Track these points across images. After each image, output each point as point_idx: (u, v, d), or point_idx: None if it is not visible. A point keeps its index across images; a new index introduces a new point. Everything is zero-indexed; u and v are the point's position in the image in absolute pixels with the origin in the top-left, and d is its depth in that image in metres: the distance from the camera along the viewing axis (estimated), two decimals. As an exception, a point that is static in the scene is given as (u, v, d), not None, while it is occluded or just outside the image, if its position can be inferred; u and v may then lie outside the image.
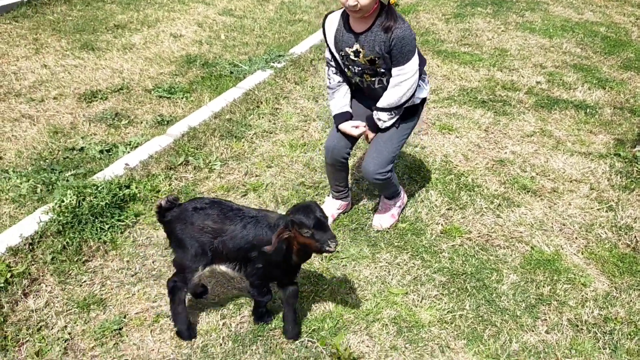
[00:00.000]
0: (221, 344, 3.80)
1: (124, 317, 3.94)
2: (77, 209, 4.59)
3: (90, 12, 9.57)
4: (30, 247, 4.35)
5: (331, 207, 5.08)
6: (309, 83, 7.59)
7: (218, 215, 3.53)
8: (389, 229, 4.95)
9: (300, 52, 8.47)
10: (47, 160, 5.53)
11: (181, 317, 3.74)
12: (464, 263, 4.66)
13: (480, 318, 4.16)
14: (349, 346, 3.82)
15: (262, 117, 6.65)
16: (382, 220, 4.99)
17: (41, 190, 5.03)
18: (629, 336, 4.06)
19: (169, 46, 8.54)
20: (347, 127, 4.49)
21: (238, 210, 3.56)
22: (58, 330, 3.78)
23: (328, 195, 5.20)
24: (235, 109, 6.68)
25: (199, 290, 4.07)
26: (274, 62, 8.02)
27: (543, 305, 4.30)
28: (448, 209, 5.29)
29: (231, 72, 7.73)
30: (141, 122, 6.45)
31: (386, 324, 4.05)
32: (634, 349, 3.95)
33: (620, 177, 5.87)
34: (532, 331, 4.08)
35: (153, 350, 3.73)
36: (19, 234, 4.38)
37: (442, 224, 5.10)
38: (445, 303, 4.27)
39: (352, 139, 4.60)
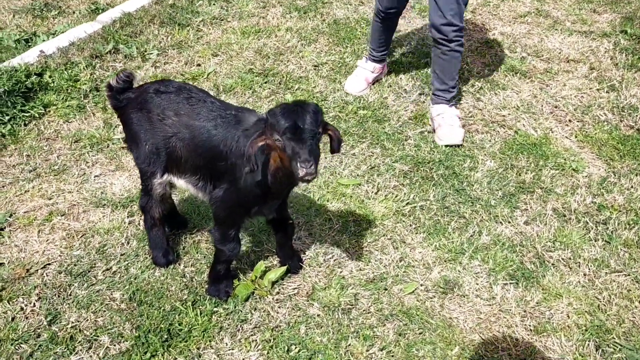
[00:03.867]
0: (122, 244, 3.12)
1: (9, 217, 3.25)
2: (-33, 97, 3.84)
3: None
4: None
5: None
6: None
7: (183, 105, 2.59)
8: (357, 95, 4.44)
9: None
10: (-49, 51, 4.74)
11: (154, 241, 2.95)
12: (432, 150, 3.90)
13: (445, 209, 3.44)
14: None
15: (214, 4, 5.76)
16: (353, 85, 4.51)
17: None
18: (627, 225, 3.32)
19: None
20: None
21: (211, 103, 2.60)
22: None
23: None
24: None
25: (176, 219, 3.20)
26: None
27: (524, 193, 3.56)
28: (420, 94, 4.47)
29: None
30: (73, 13, 5.61)
31: (329, 219, 3.34)
32: (632, 240, 3.22)
33: (626, 55, 4.98)
34: (509, 222, 3.35)
35: (37, 252, 3.06)
36: None
37: (411, 110, 4.30)
38: (404, 194, 3.54)
39: None
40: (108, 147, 3.83)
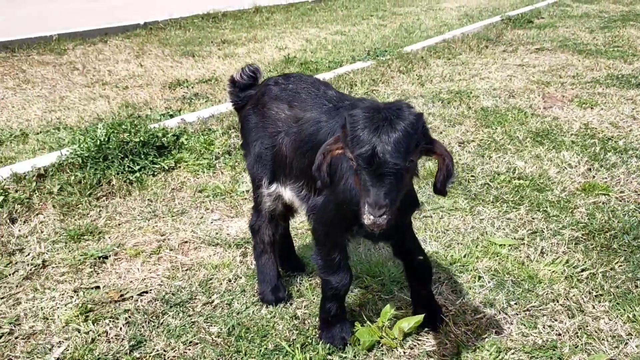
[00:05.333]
0: (229, 280, 2.65)
1: (117, 247, 2.96)
2: (104, 144, 3.81)
3: (201, 33, 9.45)
4: (40, 177, 3.60)
5: None
6: (416, 73, 6.51)
7: (299, 96, 2.20)
8: None
9: (412, 49, 7.49)
10: (102, 120, 4.92)
11: (263, 272, 2.47)
12: (611, 220, 3.14)
13: (637, 280, 2.62)
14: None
15: (355, 95, 5.64)
16: None
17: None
18: None
19: (272, 55, 8.00)
20: None
21: (326, 93, 2.17)
22: (32, 256, 2.88)
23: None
24: (323, 87, 5.76)
25: (292, 259, 2.72)
26: (379, 57, 7.10)
27: None
28: (588, 169, 3.79)
29: (329, 67, 6.91)
30: (219, 102, 5.75)
31: (479, 276, 2.66)
32: None
33: None
34: None
35: (137, 279, 2.68)
36: (31, 164, 3.68)
37: (577, 182, 3.61)
38: (577, 260, 2.78)
39: None
40: (231, 197, 3.53)
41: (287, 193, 2.26)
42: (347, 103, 2.09)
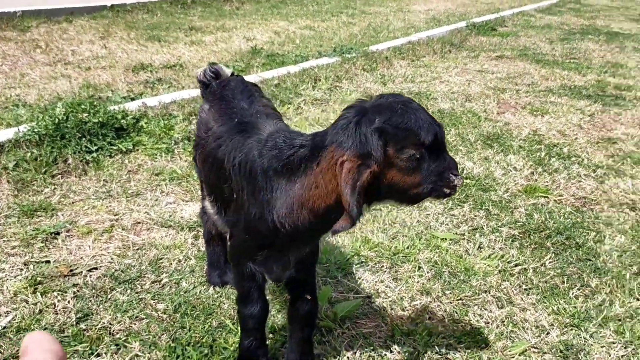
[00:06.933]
0: (179, 260, 2.73)
1: (69, 224, 3.00)
2: (62, 123, 3.82)
3: (169, 18, 9.42)
4: (-4, 152, 3.60)
5: None
6: (380, 72, 6.66)
7: (223, 103, 2.11)
8: None
9: (377, 49, 7.63)
10: (62, 99, 4.91)
11: (211, 257, 2.54)
12: (547, 220, 3.32)
13: (565, 276, 2.80)
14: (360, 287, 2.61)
15: (318, 90, 5.75)
16: None
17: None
18: None
19: (239, 45, 8.03)
20: None
21: (241, 102, 2.07)
22: (-17, 229, 2.90)
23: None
24: (287, 79, 5.86)
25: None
26: (345, 54, 7.21)
27: (666, 273, 2.86)
28: (531, 173, 3.98)
29: (295, 61, 7.00)
30: (182, 88, 5.77)
31: (419, 267, 2.80)
32: None
33: None
34: (649, 299, 2.65)
35: (87, 256, 2.73)
36: (-13, 139, 3.67)
37: (520, 184, 3.80)
38: (512, 256, 2.95)
39: None
40: (187, 181, 3.59)
41: (207, 205, 2.19)
42: (250, 116, 1.98)
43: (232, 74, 2.38)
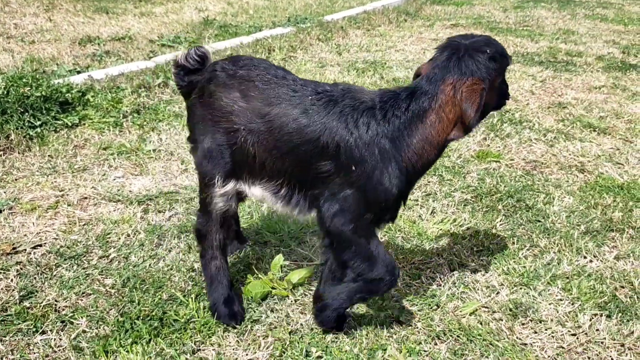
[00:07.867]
0: (128, 234, 2.67)
1: (12, 201, 2.89)
2: (2, 98, 3.66)
3: (118, -10, 9.11)
4: None
5: None
6: (335, 42, 6.59)
7: (254, 85, 1.98)
8: None
9: (332, 19, 7.54)
10: (3, 74, 4.70)
11: (213, 281, 2.20)
12: (499, 184, 3.37)
13: (515, 237, 2.84)
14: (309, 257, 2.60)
15: (272, 60, 5.64)
16: None
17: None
18: None
19: (191, 16, 7.83)
20: None
21: (293, 82, 1.98)
22: None
23: None
24: (240, 50, 5.75)
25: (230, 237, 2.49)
26: (299, 24, 7.11)
27: (612, 231, 2.93)
28: (484, 138, 4.02)
29: (249, 32, 6.86)
30: (131, 60, 5.60)
31: (374, 233, 2.80)
32: None
33: None
34: (595, 256, 2.71)
35: (31, 233, 2.64)
36: None
37: (473, 150, 3.83)
38: (464, 219, 2.98)
39: None
40: (137, 155, 3.50)
41: (256, 191, 2.08)
42: (326, 91, 1.95)
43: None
